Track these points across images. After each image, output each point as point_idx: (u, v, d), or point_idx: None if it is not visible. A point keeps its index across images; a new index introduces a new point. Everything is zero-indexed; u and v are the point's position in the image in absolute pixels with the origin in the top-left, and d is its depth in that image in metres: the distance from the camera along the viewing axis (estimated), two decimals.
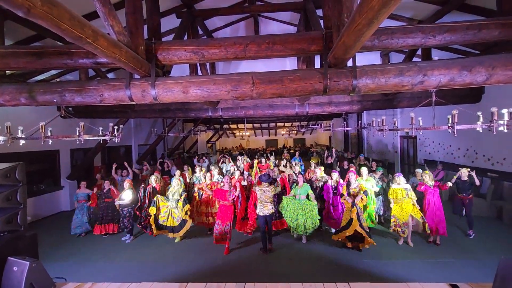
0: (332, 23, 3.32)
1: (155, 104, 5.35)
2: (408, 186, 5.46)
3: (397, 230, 5.33)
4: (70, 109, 7.42)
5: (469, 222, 5.61)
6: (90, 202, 6.41)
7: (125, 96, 3.76)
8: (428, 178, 5.46)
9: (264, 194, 5.07)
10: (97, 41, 2.40)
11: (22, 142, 4.17)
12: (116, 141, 4.99)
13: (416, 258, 4.73)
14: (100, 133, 4.79)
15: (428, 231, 5.19)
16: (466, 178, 5.61)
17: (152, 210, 5.63)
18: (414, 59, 6.20)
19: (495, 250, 4.88)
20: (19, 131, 4.18)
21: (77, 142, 4.62)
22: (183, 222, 5.66)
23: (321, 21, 4.27)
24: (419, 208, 5.28)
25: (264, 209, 5.05)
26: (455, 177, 5.64)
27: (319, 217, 5.54)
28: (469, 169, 5.68)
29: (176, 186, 5.91)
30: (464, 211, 5.71)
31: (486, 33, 3.39)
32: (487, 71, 3.30)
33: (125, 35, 3.10)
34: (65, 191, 8.63)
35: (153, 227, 5.65)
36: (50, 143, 4.47)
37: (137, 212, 5.85)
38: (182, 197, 5.73)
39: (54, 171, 8.51)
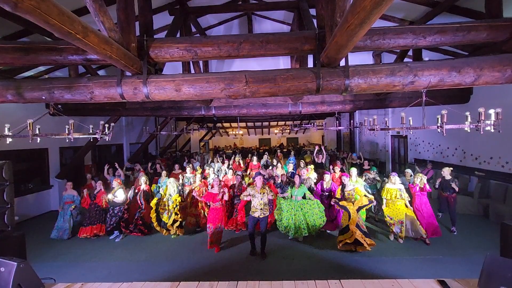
0: (325, 23, 3.33)
1: (147, 102, 5.27)
2: (402, 187, 5.38)
3: (392, 229, 5.34)
4: (59, 106, 7.25)
5: (452, 219, 5.78)
6: (74, 206, 6.22)
7: (116, 93, 3.70)
8: (419, 181, 5.38)
9: (256, 201, 4.81)
10: (87, 37, 2.35)
11: (9, 140, 4.07)
12: (107, 140, 4.92)
13: (405, 255, 4.82)
14: (91, 131, 4.71)
15: (425, 235, 5.09)
16: (449, 177, 5.76)
17: (153, 203, 5.78)
18: (405, 59, 6.30)
19: (481, 247, 5.01)
20: (6, 128, 4.08)
21: (67, 140, 4.53)
22: (174, 220, 5.79)
23: (315, 21, 4.28)
24: (412, 209, 5.28)
25: (256, 212, 4.80)
26: (439, 180, 5.86)
27: (324, 218, 5.38)
28: (451, 168, 5.86)
29: (172, 187, 5.90)
30: (442, 212, 6.16)
31: (475, 34, 3.47)
32: (475, 72, 3.38)
33: (116, 31, 3.05)
34: (54, 190, 8.45)
35: (155, 224, 5.84)
36: (38, 141, 4.38)
37: (126, 215, 5.87)
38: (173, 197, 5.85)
39: (43, 169, 8.32)
